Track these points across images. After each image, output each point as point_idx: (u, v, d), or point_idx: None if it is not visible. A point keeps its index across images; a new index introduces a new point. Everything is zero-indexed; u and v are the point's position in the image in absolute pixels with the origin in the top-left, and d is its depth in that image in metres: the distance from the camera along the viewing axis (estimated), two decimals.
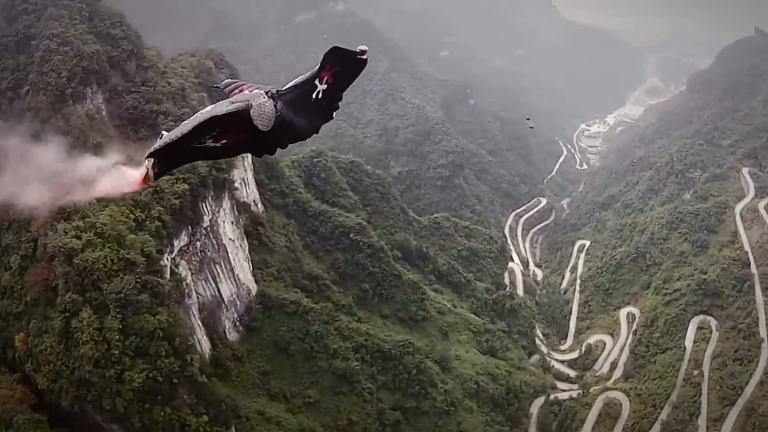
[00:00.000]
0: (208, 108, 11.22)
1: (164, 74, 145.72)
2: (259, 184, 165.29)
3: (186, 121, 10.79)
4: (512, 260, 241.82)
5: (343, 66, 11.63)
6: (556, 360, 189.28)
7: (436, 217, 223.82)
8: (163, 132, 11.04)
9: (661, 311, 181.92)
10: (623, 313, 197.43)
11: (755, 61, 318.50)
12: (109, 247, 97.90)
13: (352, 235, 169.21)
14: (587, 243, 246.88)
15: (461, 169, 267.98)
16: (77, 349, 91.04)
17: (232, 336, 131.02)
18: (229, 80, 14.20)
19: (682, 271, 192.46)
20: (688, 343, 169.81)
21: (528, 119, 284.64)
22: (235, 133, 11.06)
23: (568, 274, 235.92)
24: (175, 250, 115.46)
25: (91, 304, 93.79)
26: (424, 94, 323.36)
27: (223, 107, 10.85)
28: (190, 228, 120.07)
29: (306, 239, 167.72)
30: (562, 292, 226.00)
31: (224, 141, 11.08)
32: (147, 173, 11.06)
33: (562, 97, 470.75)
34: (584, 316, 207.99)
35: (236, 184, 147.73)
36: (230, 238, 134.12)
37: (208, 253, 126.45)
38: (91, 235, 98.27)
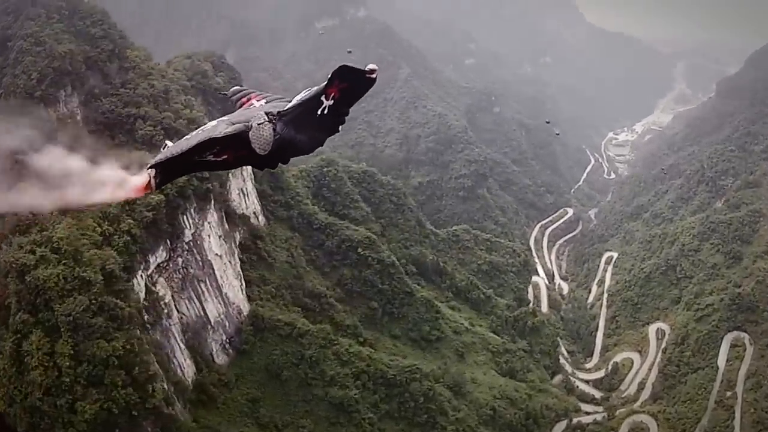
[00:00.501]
0: (210, 125, 10.92)
1: (148, 76, 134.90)
2: (262, 195, 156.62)
3: (187, 137, 10.68)
4: (537, 274, 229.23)
5: (351, 83, 11.04)
6: (581, 380, 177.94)
7: (455, 230, 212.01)
8: (167, 142, 10.97)
9: (693, 328, 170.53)
10: (652, 329, 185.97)
11: None
12: (64, 263, 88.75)
13: (360, 250, 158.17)
14: (615, 255, 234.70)
15: (484, 179, 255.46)
16: (28, 374, 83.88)
17: (220, 359, 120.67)
18: (238, 88, 14.24)
19: (714, 285, 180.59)
20: (721, 361, 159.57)
21: (548, 122, 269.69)
22: (235, 150, 10.64)
23: (594, 288, 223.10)
24: (152, 267, 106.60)
25: (43, 325, 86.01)
26: (447, 101, 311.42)
27: (222, 128, 10.51)
28: (168, 243, 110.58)
29: (311, 254, 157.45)
30: (588, 306, 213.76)
31: (225, 156, 10.68)
32: (149, 181, 10.76)
33: (590, 104, 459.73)
34: (611, 333, 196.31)
35: (233, 195, 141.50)
36: (216, 254, 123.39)
37: (191, 270, 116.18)
38: (46, 250, 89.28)
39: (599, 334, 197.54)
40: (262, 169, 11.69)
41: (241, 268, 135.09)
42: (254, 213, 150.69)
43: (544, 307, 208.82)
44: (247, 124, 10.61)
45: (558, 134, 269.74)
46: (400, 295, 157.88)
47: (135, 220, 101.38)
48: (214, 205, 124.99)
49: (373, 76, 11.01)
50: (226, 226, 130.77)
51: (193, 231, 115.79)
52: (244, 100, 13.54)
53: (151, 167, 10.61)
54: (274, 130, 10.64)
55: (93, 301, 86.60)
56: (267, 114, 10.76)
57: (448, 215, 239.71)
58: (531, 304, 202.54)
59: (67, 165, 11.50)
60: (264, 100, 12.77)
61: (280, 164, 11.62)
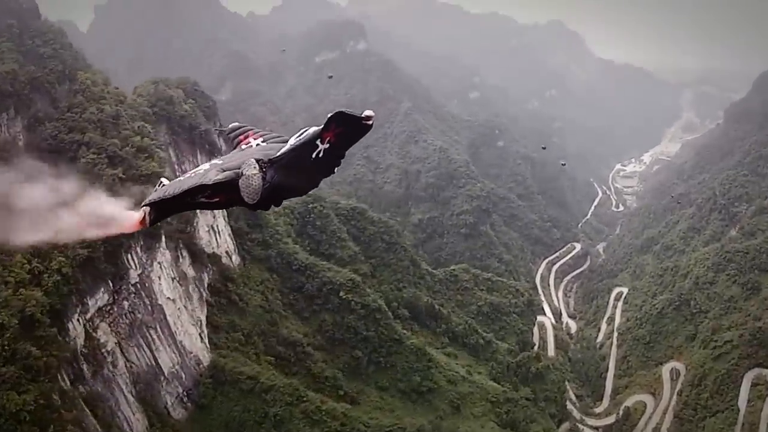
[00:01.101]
0: (202, 168, 10.80)
1: (100, 100, 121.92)
2: (237, 233, 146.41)
3: (180, 179, 10.64)
4: (543, 313, 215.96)
5: (347, 128, 10.66)
6: (590, 427, 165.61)
7: (454, 270, 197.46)
8: (162, 179, 11.10)
9: (710, 367, 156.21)
10: (666, 369, 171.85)
11: None
12: None
13: (342, 294, 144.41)
14: (625, 290, 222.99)
15: (487, 215, 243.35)
16: None
17: (177, 413, 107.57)
18: (237, 124, 13.55)
19: (732, 319, 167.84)
20: (742, 402, 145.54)
21: (544, 148, 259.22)
22: (227, 194, 10.27)
23: (604, 326, 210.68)
24: (91, 311, 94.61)
25: None
26: (449, 135, 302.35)
27: (212, 174, 10.22)
28: (111, 284, 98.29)
29: (289, 297, 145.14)
30: (597, 346, 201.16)
31: (216, 199, 10.41)
32: (144, 217, 10.51)
33: (597, 137, 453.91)
34: (622, 374, 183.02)
35: (202, 233, 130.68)
36: (169, 298, 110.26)
37: (140, 316, 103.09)
38: None
39: (609, 376, 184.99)
40: (255, 210, 10.57)
41: (210, 312, 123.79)
42: (226, 252, 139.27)
43: (551, 349, 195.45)
44: (237, 171, 10.07)
45: (564, 164, 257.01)
46: (388, 343, 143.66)
47: (67, 257, 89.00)
48: (166, 243, 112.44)
49: (370, 122, 10.51)
50: (185, 267, 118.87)
51: (140, 272, 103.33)
52: (241, 137, 12.58)
53: (145, 205, 10.31)
54: (263, 178, 9.95)
55: (5, 348, 76.35)
56: (258, 162, 10.12)
57: (450, 253, 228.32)
58: (536, 347, 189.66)
59: (60, 197, 10.85)
60: (261, 139, 12.16)
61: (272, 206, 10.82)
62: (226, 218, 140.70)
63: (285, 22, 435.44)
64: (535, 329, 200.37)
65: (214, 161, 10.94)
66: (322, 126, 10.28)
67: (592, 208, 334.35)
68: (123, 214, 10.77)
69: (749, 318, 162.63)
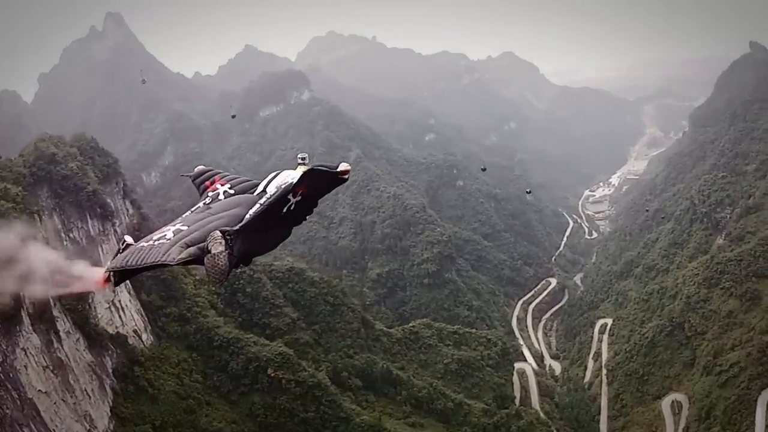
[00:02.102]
0: (165, 236, 10.04)
1: None
2: (148, 308, 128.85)
3: (142, 245, 9.96)
4: (524, 358, 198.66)
5: (321, 181, 10.58)
6: None
7: (413, 327, 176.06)
8: (125, 237, 10.45)
9: (717, 395, 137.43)
10: (666, 403, 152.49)
11: (761, 73, 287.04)
12: None
13: (270, 371, 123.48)
14: (609, 322, 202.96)
15: (451, 261, 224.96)
16: None
17: None
18: (202, 168, 13.23)
19: (734, 337, 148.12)
20: (759, 429, 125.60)
21: (528, 192, 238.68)
22: (192, 263, 9.68)
23: (591, 363, 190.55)
24: None
25: None
26: (404, 181, 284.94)
27: (175, 253, 9.47)
28: None
29: (213, 379, 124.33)
30: (586, 386, 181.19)
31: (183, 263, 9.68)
32: (108, 277, 10.28)
33: (562, 165, 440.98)
34: (617, 414, 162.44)
35: (100, 310, 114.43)
36: (41, 390, 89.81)
37: (8, 411, 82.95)
38: None
39: (603, 418, 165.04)
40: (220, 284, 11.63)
41: (116, 402, 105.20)
42: (134, 331, 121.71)
43: (535, 398, 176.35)
44: (202, 246, 9.42)
45: (529, 192, 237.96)
46: (333, 422, 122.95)
47: None
48: (33, 326, 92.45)
49: (346, 177, 10.46)
50: (69, 352, 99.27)
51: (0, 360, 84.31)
52: (207, 183, 12.29)
53: (108, 271, 10.07)
54: (230, 254, 9.27)
55: None
56: (224, 234, 9.40)
57: (415, 307, 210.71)
58: (517, 399, 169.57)
59: (27, 256, 10.98)
60: (228, 185, 11.89)
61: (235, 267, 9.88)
62: (132, 292, 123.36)
63: (232, 80, 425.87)
64: (515, 378, 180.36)
65: (178, 226, 10.28)
66: (296, 181, 9.99)
67: (564, 239, 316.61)
68: (87, 271, 10.52)
69: (754, 333, 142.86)
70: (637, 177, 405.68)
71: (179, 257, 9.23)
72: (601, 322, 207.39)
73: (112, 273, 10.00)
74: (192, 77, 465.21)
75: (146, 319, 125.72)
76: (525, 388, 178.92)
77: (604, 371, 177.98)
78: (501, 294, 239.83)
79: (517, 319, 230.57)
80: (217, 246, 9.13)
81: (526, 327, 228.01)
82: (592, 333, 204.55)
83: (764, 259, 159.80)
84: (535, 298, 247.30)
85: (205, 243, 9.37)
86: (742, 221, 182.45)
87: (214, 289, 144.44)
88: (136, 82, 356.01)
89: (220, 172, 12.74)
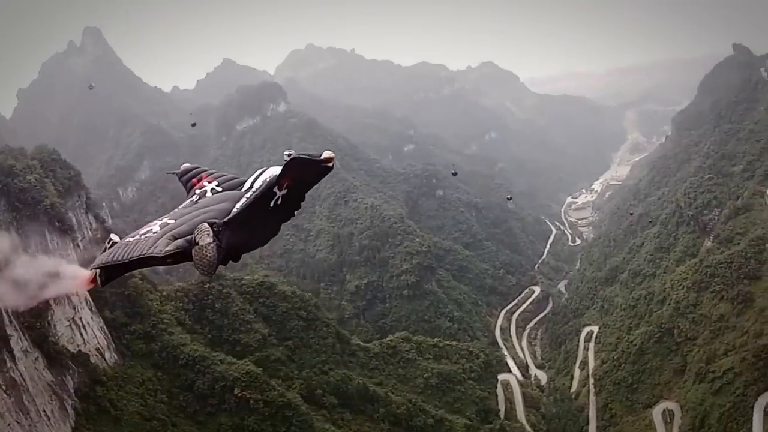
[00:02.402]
0: (152, 230, 9.60)
1: None
2: (112, 325, 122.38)
3: (129, 241, 9.56)
4: (508, 369, 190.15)
5: (305, 172, 10.17)
6: None
7: (391, 340, 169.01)
8: (112, 236, 10.34)
9: (711, 403, 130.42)
10: (657, 411, 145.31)
11: (745, 74, 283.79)
12: None
13: (237, 390, 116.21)
14: (595, 329, 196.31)
15: (431, 271, 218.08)
16: None
17: None
18: (188, 166, 12.50)
19: (727, 341, 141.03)
20: None
21: (509, 198, 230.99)
22: (180, 255, 9.07)
23: (577, 372, 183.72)
24: None
25: None
26: (383, 192, 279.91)
27: (162, 245, 9.09)
28: None
29: (179, 398, 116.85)
30: (573, 396, 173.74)
31: (169, 260, 9.24)
32: (94, 276, 9.87)
33: (544, 173, 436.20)
34: (606, 424, 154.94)
35: (60, 327, 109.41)
36: None
37: None
38: None
39: (591, 429, 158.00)
40: (209, 276, 9.78)
41: (78, 423, 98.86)
42: (97, 349, 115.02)
43: (520, 410, 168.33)
44: (189, 238, 8.96)
45: (510, 198, 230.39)
46: None
47: None
48: None
49: (330, 165, 10.07)
50: (24, 371, 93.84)
51: None
52: (194, 180, 11.59)
53: (94, 268, 9.70)
54: (218, 246, 8.85)
55: None
56: (212, 226, 9.02)
57: (395, 319, 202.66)
58: (501, 412, 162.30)
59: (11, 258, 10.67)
60: (215, 182, 11.17)
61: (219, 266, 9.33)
62: (94, 309, 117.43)
63: (210, 94, 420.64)
64: (500, 390, 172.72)
65: (165, 220, 9.84)
66: (279, 173, 9.63)
67: (548, 246, 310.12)
68: (73, 272, 10.25)
69: (747, 337, 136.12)
70: (620, 183, 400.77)
71: (166, 249, 8.82)
72: (586, 329, 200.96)
73: (98, 272, 9.54)
74: (170, 91, 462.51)
75: (109, 336, 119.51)
76: (510, 400, 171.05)
77: (592, 380, 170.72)
78: (483, 304, 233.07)
79: (501, 328, 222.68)
80: (205, 238, 8.67)
81: (510, 337, 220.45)
82: (578, 341, 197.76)
83: (756, 261, 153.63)
84: (519, 307, 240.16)
85: (192, 235, 8.90)
86: (731, 223, 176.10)
87: (181, 305, 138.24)
88: (114, 97, 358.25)
89: (206, 170, 11.97)
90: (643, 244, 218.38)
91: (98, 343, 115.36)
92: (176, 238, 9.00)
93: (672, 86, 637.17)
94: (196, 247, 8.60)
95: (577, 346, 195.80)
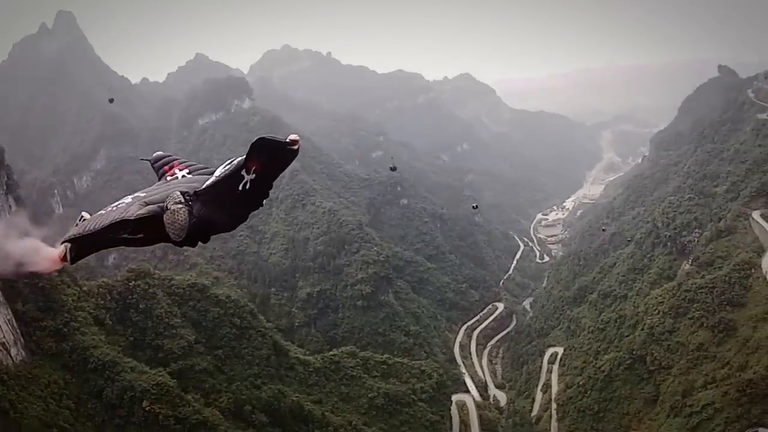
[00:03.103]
0: (125, 201, 9.90)
1: None
2: (22, 319, 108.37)
3: (102, 212, 9.80)
4: (466, 389, 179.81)
5: (272, 156, 9.94)
6: None
7: (334, 355, 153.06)
8: (83, 213, 10.34)
9: None
10: None
11: (729, 95, 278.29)
12: None
13: (145, 404, 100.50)
14: (560, 351, 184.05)
15: (388, 282, 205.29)
16: None
17: None
18: (161, 153, 12.63)
19: (706, 372, 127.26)
20: None
21: (475, 207, 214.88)
22: (151, 229, 9.49)
23: (539, 395, 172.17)
24: None
25: None
26: (344, 197, 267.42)
27: (135, 208, 9.38)
28: None
29: (87, 406, 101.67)
30: (533, 421, 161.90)
31: (141, 234, 9.74)
32: (65, 254, 9.84)
33: (515, 188, 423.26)
34: None
35: None
36: None
37: None
38: None
39: None
40: (181, 246, 9.92)
41: None
42: (2, 344, 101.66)
43: None
44: (161, 204, 9.26)
45: (476, 207, 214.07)
46: None
47: None
48: None
49: (295, 147, 9.85)
50: None
51: None
52: (166, 168, 11.76)
53: (65, 241, 9.74)
54: (190, 212, 9.21)
55: None
56: (183, 194, 9.37)
57: (347, 330, 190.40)
58: None
59: None
60: (186, 170, 11.42)
61: (195, 243, 10.05)
62: (3, 300, 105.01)
63: (179, 88, 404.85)
64: (454, 411, 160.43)
65: (137, 194, 10.19)
66: (247, 154, 9.53)
67: (514, 262, 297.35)
68: (41, 250, 10.16)
69: (730, 369, 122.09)
70: (592, 201, 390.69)
71: (139, 212, 8.99)
72: (551, 350, 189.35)
73: (68, 249, 9.53)
74: (139, 82, 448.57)
75: (18, 331, 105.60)
76: (465, 423, 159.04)
77: (554, 405, 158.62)
78: (443, 318, 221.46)
79: (460, 345, 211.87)
80: (177, 203, 8.93)
81: (470, 354, 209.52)
82: (542, 362, 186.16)
83: (740, 287, 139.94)
84: (481, 324, 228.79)
85: (165, 202, 9.06)
86: (712, 245, 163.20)
87: (102, 303, 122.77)
88: (79, 83, 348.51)
89: (179, 158, 11.97)
90: (615, 264, 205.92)
91: (4, 337, 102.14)
92: (148, 204, 9.07)
93: (648, 110, 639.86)
94: (168, 210, 8.76)
95: (540, 367, 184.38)
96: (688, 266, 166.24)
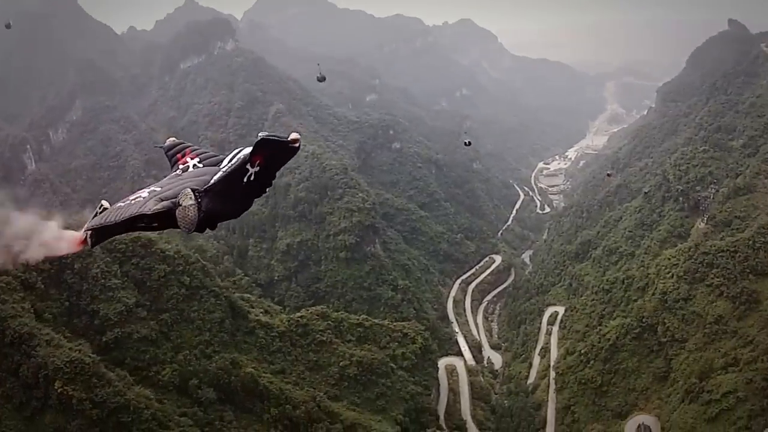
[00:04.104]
0: (142, 195, 10.34)
1: None
2: None
3: (120, 205, 10.23)
4: (458, 351, 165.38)
5: (275, 151, 10.64)
6: None
7: (301, 317, 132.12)
8: (103, 202, 10.58)
9: None
10: (632, 425, 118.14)
11: (742, 48, 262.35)
12: None
13: (57, 385, 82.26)
14: (560, 311, 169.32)
15: (374, 231, 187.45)
16: None
17: None
18: (174, 140, 13.01)
19: (726, 350, 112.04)
20: None
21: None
22: (164, 220, 9.86)
23: (537, 360, 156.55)
24: None
25: None
26: (332, 140, 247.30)
27: (151, 204, 9.76)
28: None
29: (6, 386, 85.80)
30: (529, 389, 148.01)
31: (155, 225, 10.08)
32: (85, 238, 10.36)
33: (515, 136, 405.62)
34: (566, 429, 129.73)
35: None
36: None
37: None
38: None
39: None
40: (190, 233, 10.22)
41: None
42: None
43: (465, 404, 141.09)
44: (174, 200, 9.64)
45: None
46: None
47: None
48: None
49: (297, 145, 10.60)
50: None
51: None
52: (179, 156, 12.15)
53: (87, 230, 10.20)
54: (199, 208, 9.59)
55: None
56: (193, 191, 9.70)
57: (330, 284, 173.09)
58: (441, 407, 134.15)
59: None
60: (197, 159, 11.79)
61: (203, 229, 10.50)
62: None
63: (167, 35, 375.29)
64: (442, 377, 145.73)
65: (153, 188, 10.71)
66: (251, 151, 10.13)
67: (514, 212, 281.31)
68: (64, 234, 10.50)
69: (754, 351, 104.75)
70: (595, 152, 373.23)
71: (155, 208, 9.37)
72: (551, 310, 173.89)
73: (89, 234, 10.03)
74: (126, 31, 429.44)
75: None
76: (454, 390, 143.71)
77: (553, 374, 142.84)
78: (436, 272, 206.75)
79: (454, 301, 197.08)
80: (187, 200, 9.36)
81: (464, 311, 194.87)
82: (540, 323, 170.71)
83: (765, 252, 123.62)
84: (477, 277, 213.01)
85: (177, 198, 9.49)
86: (729, 204, 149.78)
87: (33, 265, 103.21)
88: (58, 35, 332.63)
89: (190, 146, 12.31)
90: (621, 218, 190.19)
91: None
92: (163, 200, 9.47)
93: (651, 63, 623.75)
94: (180, 207, 9.21)
95: (539, 328, 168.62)
96: (702, 225, 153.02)
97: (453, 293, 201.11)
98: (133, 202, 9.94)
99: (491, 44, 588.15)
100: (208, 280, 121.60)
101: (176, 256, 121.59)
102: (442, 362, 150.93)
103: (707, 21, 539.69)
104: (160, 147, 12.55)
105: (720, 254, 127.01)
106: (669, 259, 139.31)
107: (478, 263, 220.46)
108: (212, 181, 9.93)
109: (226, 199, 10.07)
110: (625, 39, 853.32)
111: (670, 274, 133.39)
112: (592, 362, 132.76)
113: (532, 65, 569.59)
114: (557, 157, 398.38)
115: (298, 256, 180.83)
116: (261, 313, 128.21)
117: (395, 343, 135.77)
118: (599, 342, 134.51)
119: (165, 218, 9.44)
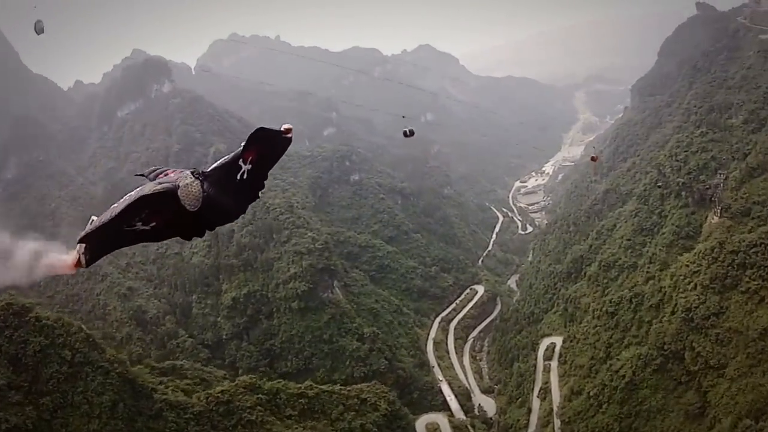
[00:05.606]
0: (136, 190, 10.36)
1: None
2: None
3: (115, 204, 10.21)
4: (443, 400, 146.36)
5: (268, 145, 11.37)
6: None
7: (224, 391, 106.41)
8: (93, 217, 10.54)
9: None
10: None
11: (717, 26, 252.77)
12: None
13: None
14: (558, 342, 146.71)
15: (330, 275, 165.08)
16: None
17: None
18: (154, 167, 12.60)
19: None
20: None
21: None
22: (165, 215, 10.24)
23: (536, 404, 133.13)
24: None
25: None
26: (281, 178, 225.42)
27: (150, 186, 10.11)
28: None
29: None
30: None
31: (153, 223, 10.26)
32: (79, 258, 10.34)
33: (488, 156, 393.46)
34: None
35: None
36: None
37: None
38: None
39: None
40: (190, 238, 10.88)
41: None
42: None
43: None
44: (174, 183, 10.03)
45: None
46: None
47: None
48: None
49: (289, 135, 11.24)
50: None
51: None
52: (161, 176, 11.49)
53: (80, 240, 10.09)
54: (202, 185, 10.08)
55: None
56: (192, 173, 10.30)
57: (286, 340, 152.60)
58: None
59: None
60: (183, 173, 11.22)
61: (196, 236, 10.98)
62: None
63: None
64: None
65: (146, 184, 10.43)
66: (243, 145, 10.49)
67: (493, 236, 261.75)
68: (55, 258, 10.39)
69: None
70: (573, 163, 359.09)
71: (155, 188, 9.44)
72: (546, 341, 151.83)
73: (83, 253, 9.85)
74: (73, 85, 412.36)
75: None
76: None
77: (558, 422, 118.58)
78: (410, 312, 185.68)
79: (434, 342, 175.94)
80: (189, 179, 9.63)
81: (447, 353, 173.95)
82: (536, 358, 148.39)
83: None
84: (458, 313, 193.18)
85: (177, 181, 9.64)
86: (744, 188, 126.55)
87: None
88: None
89: (169, 168, 11.55)
90: (614, 226, 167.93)
91: None
92: (161, 185, 9.57)
93: (620, 68, 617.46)
94: (182, 185, 9.47)
95: (535, 365, 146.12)
96: (716, 218, 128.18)
97: (432, 334, 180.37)
98: (125, 198, 9.57)
99: (453, 67, 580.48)
100: (95, 354, 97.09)
101: (55, 325, 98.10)
102: (421, 422, 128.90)
103: (670, 12, 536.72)
104: (141, 175, 11.43)
105: (753, 250, 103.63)
106: (687, 265, 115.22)
107: (459, 297, 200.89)
108: (210, 168, 10.14)
109: (222, 192, 10.00)
110: (592, 45, 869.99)
111: (692, 284, 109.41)
112: (605, 406, 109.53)
113: (498, 84, 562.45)
114: (534, 173, 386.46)
115: (246, 311, 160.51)
116: (171, 390, 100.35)
117: (351, 412, 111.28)
118: (612, 380, 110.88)
119: (166, 208, 9.28)
